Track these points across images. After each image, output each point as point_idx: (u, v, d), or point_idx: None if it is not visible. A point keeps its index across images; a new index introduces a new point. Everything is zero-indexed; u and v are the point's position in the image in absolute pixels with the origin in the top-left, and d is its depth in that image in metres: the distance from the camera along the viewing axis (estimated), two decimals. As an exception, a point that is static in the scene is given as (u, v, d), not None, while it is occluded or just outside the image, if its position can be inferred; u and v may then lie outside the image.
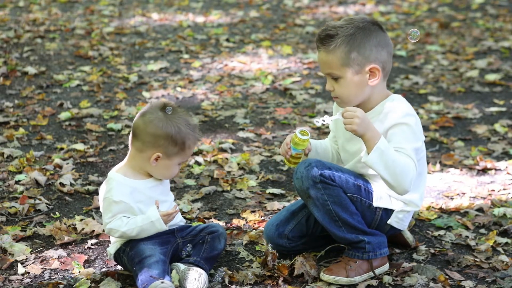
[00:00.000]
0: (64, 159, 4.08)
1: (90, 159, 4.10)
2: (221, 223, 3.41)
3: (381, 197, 2.94)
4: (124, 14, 7.65)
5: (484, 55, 6.27)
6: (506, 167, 4.06)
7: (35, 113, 4.82)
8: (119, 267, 3.02)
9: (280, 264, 2.96)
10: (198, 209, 3.57)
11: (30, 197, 3.62)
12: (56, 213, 3.51)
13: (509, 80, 5.61)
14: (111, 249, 2.95)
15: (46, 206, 3.56)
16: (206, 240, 2.97)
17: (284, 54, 6.29)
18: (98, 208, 3.52)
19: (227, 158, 4.13)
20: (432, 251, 3.17)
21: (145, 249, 2.85)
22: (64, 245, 3.21)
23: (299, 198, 3.39)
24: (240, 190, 3.78)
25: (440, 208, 3.57)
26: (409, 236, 3.19)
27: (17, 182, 3.80)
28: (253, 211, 3.54)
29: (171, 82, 5.52)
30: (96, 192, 3.71)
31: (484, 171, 4.02)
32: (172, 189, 3.55)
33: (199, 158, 4.12)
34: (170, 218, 2.88)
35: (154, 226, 2.85)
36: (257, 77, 5.67)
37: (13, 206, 3.52)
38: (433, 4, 8.21)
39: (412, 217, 3.31)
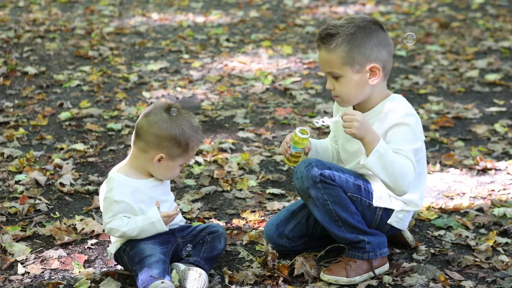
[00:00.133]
0: (64, 159, 4.08)
1: (90, 159, 4.10)
2: (221, 223, 3.41)
3: (381, 197, 2.94)
4: (124, 14, 7.65)
5: (484, 55, 6.27)
6: (506, 167, 4.06)
7: (35, 113, 4.82)
8: (119, 267, 3.02)
9: (280, 264, 2.96)
10: (198, 209, 3.57)
11: (30, 197, 3.62)
12: (56, 213, 3.52)
13: (509, 80, 5.61)
14: (112, 248, 2.95)
15: (46, 206, 3.56)
16: (206, 240, 2.97)
17: (284, 54, 6.29)
18: (98, 208, 3.52)
19: (227, 158, 4.13)
20: (432, 251, 3.17)
21: (145, 248, 2.85)
22: (64, 245, 3.21)
23: (299, 198, 3.38)
24: (240, 190, 3.78)
25: (440, 208, 3.57)
26: (409, 236, 3.19)
27: (17, 182, 3.80)
28: (253, 211, 3.54)
29: (171, 82, 5.53)
30: (96, 192, 3.71)
31: (484, 171, 4.02)
32: (172, 189, 3.55)
33: (199, 158, 4.12)
34: (170, 219, 2.88)
35: (155, 226, 2.85)
36: (257, 77, 5.67)
37: (13, 206, 3.52)
38: (433, 4, 8.21)
39: (412, 217, 3.31)
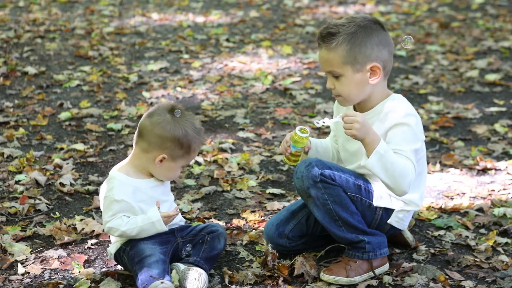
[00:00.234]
0: (64, 159, 4.08)
1: (90, 159, 4.10)
2: (221, 223, 3.41)
3: (381, 197, 2.94)
4: (124, 14, 7.65)
5: (484, 55, 6.27)
6: (506, 167, 4.06)
7: (35, 113, 4.82)
8: (119, 267, 3.02)
9: (280, 264, 2.96)
10: (198, 209, 3.57)
11: (30, 197, 3.62)
12: (56, 213, 3.51)
13: (509, 80, 5.61)
14: (112, 248, 2.95)
15: (46, 206, 3.56)
16: (206, 239, 2.97)
17: (284, 54, 6.29)
18: (98, 208, 3.52)
19: (227, 158, 4.13)
20: (432, 251, 3.17)
21: (145, 248, 2.85)
22: (64, 245, 3.21)
23: (299, 198, 3.39)
24: (240, 190, 3.78)
25: (440, 208, 3.57)
26: (409, 236, 3.19)
27: (17, 182, 3.80)
28: (253, 211, 3.54)
29: (171, 82, 5.52)
30: (96, 192, 3.71)
31: (484, 171, 4.02)
32: (172, 189, 3.55)
33: (199, 158, 4.12)
34: (170, 219, 2.89)
35: (155, 226, 2.85)
36: (257, 77, 5.67)
37: (13, 206, 3.52)
38: (433, 4, 8.21)
39: (412, 217, 3.31)
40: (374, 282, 2.93)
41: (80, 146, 4.25)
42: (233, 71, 5.83)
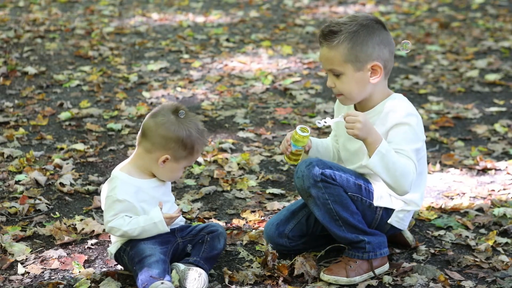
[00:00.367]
0: (64, 159, 4.08)
1: (90, 159, 4.10)
2: (221, 223, 3.41)
3: (381, 197, 2.94)
4: (124, 14, 7.65)
5: (484, 55, 6.27)
6: (506, 167, 4.06)
7: (35, 113, 4.82)
8: (119, 267, 3.02)
9: (280, 264, 2.96)
10: (198, 209, 3.57)
11: (30, 197, 3.62)
12: (56, 213, 3.51)
13: (509, 80, 5.61)
14: (112, 248, 2.95)
15: (46, 206, 3.56)
16: (206, 239, 2.97)
17: (284, 54, 6.29)
18: (98, 208, 3.53)
19: (227, 158, 4.13)
20: (432, 251, 3.17)
21: (145, 248, 2.85)
22: (64, 245, 3.21)
23: (299, 198, 3.39)
24: (240, 190, 3.78)
25: (440, 208, 3.57)
26: (409, 236, 3.19)
27: (17, 182, 3.80)
28: (253, 211, 3.54)
29: (171, 82, 5.52)
30: (96, 192, 3.71)
31: (484, 171, 4.02)
32: (172, 189, 3.54)
33: (199, 158, 4.12)
34: (172, 221, 2.89)
35: (157, 227, 2.85)
36: (257, 77, 5.67)
37: (13, 206, 3.52)
38: (433, 4, 8.21)
39: (412, 217, 3.31)
40: (374, 282, 2.93)
41: (80, 146, 4.25)
42: (233, 71, 5.83)
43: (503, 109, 5.00)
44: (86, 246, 3.20)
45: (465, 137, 4.54)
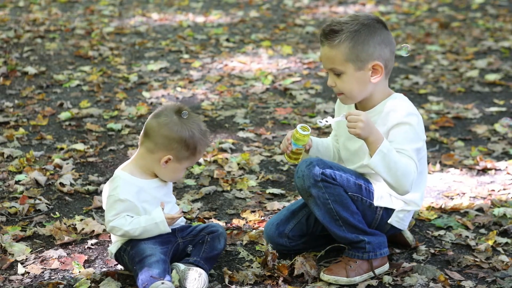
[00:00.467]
0: (64, 159, 4.08)
1: (90, 159, 4.10)
2: (221, 223, 3.41)
3: (381, 197, 2.94)
4: (124, 14, 7.65)
5: (484, 55, 6.27)
6: (506, 167, 4.06)
7: (35, 113, 4.82)
8: (119, 267, 3.02)
9: (280, 264, 2.96)
10: (198, 209, 3.57)
11: (30, 197, 3.62)
12: (56, 213, 3.51)
13: (509, 80, 5.61)
14: (113, 248, 2.95)
15: (46, 206, 3.56)
16: (206, 240, 2.97)
17: (284, 54, 6.29)
18: (98, 208, 3.53)
19: (227, 158, 4.13)
20: (432, 251, 3.17)
21: (145, 248, 2.85)
22: (64, 245, 3.21)
23: (299, 198, 3.39)
24: (240, 190, 3.78)
25: (440, 208, 3.57)
26: (409, 236, 3.19)
27: (17, 182, 3.80)
28: (253, 211, 3.54)
29: (171, 82, 5.52)
30: (96, 192, 3.71)
31: (484, 171, 4.02)
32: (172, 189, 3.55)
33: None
34: (173, 222, 2.89)
35: (158, 227, 2.85)
36: (257, 77, 5.67)
37: (13, 206, 3.52)
38: (433, 4, 8.21)
39: (412, 217, 3.31)
40: (374, 282, 2.93)
41: (80, 146, 4.25)
42: (233, 71, 5.83)
43: (503, 109, 5.00)
44: (86, 246, 3.20)
45: (465, 137, 4.54)
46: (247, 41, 6.69)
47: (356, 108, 2.99)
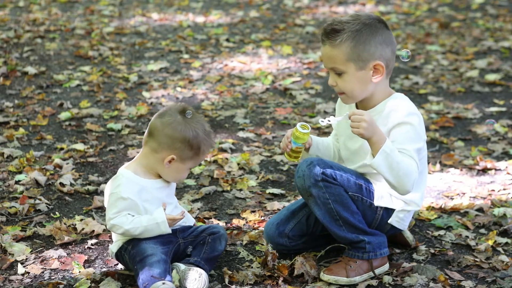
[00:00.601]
0: (64, 159, 4.08)
1: (90, 159, 4.10)
2: (221, 223, 3.41)
3: (382, 196, 2.94)
4: (124, 14, 7.65)
5: (484, 55, 6.27)
6: (506, 167, 4.06)
7: (35, 113, 4.82)
8: (119, 267, 3.02)
9: (280, 264, 2.96)
10: (198, 209, 3.57)
11: (30, 197, 3.62)
12: (56, 213, 3.51)
13: (509, 80, 5.61)
14: (113, 247, 2.95)
15: (46, 206, 3.56)
16: (207, 241, 2.97)
17: (284, 54, 6.29)
18: (98, 208, 3.53)
19: (227, 158, 4.13)
20: (432, 251, 3.17)
21: (146, 248, 2.85)
22: (64, 245, 3.21)
23: (299, 198, 3.38)
24: (240, 190, 3.78)
25: (440, 208, 3.57)
26: (409, 236, 3.19)
27: (17, 182, 3.80)
28: (253, 211, 3.54)
29: (171, 82, 5.53)
30: (96, 192, 3.71)
31: (484, 171, 4.02)
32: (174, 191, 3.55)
33: (199, 158, 4.12)
34: (174, 223, 2.89)
35: (159, 227, 2.85)
36: (257, 77, 5.67)
37: (13, 206, 3.52)
38: (433, 4, 8.21)
39: (412, 217, 3.31)
40: (374, 282, 2.93)
41: (80, 146, 4.25)
42: (233, 71, 5.83)
43: (503, 109, 5.00)
44: (86, 246, 3.20)
45: (465, 137, 4.54)
46: (247, 41, 6.70)
47: (357, 107, 2.99)
